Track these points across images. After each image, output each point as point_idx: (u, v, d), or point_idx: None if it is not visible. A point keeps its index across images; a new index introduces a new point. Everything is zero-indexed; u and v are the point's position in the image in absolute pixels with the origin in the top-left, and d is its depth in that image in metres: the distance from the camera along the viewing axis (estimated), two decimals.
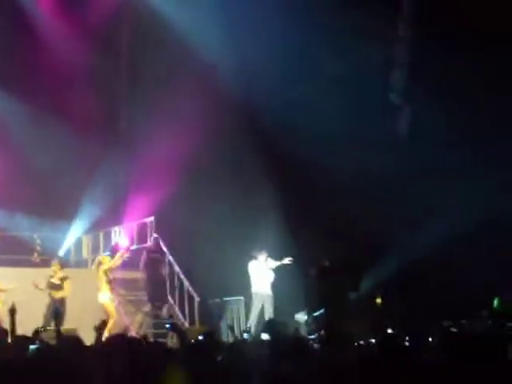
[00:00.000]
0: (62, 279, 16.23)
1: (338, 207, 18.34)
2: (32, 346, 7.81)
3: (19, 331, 9.40)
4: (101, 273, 16.08)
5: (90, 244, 21.25)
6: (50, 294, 16.03)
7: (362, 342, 10.49)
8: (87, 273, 19.18)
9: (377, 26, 18.05)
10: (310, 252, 17.33)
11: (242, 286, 17.23)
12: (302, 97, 19.10)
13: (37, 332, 9.08)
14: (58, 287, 16.14)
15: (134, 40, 21.97)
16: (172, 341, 14.22)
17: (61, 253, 20.84)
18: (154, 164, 19.93)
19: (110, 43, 21.74)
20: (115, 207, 20.66)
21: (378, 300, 17.20)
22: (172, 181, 19.32)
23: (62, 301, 16.06)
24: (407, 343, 9.13)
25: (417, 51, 19.29)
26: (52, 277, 16.19)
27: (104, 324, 7.94)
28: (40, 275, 16.40)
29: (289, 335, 9.11)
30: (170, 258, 18.77)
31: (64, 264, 16.87)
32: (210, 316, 18.17)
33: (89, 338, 8.06)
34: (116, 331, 14.72)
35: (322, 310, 16.40)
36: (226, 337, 15.26)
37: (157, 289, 18.35)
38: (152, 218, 19.64)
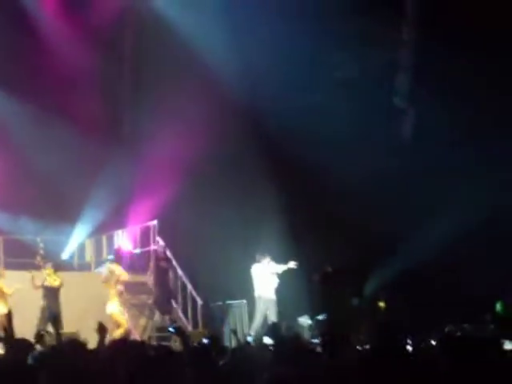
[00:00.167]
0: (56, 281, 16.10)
1: (343, 210, 18.34)
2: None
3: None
4: (113, 283, 16.02)
5: (93, 247, 21.25)
6: (44, 286, 15.90)
7: (365, 346, 10.46)
8: (90, 276, 19.18)
9: (381, 30, 18.09)
10: (314, 256, 17.32)
11: (245, 289, 17.22)
12: (306, 101, 19.12)
13: (40, 335, 9.05)
14: (51, 288, 16.02)
15: (138, 44, 21.97)
16: (175, 344, 14.20)
17: (64, 256, 20.86)
18: (158, 167, 19.92)
19: (113, 47, 21.74)
20: (118, 210, 20.65)
21: (382, 304, 17.17)
22: (175, 184, 19.32)
23: (57, 304, 15.91)
24: (410, 347, 9.12)
25: (421, 54, 19.31)
26: (46, 280, 16.07)
27: (103, 327, 7.90)
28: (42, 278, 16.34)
29: (292, 339, 9.09)
30: (173, 261, 18.76)
31: (58, 267, 16.69)
32: (213, 319, 18.16)
33: (91, 342, 8.05)
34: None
35: (325, 314, 16.39)
36: (229, 340, 15.26)
37: (165, 297, 18.24)
38: (155, 222, 19.62)
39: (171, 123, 19.44)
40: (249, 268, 16.73)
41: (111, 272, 16.22)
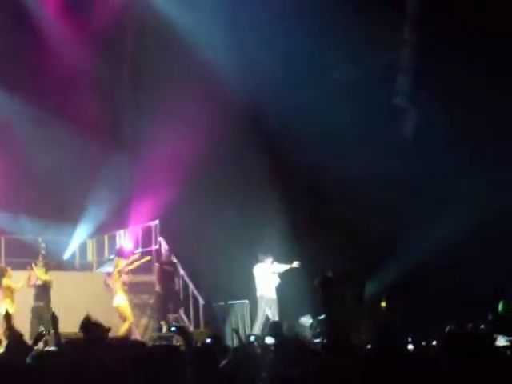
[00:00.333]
0: (45, 282, 16.15)
1: (343, 211, 18.34)
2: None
3: None
4: (116, 274, 16.13)
5: (95, 247, 21.27)
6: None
7: (366, 346, 10.47)
8: (92, 276, 19.20)
9: (382, 30, 18.07)
10: (316, 256, 17.32)
11: (247, 289, 17.23)
12: (308, 101, 19.10)
13: (40, 335, 9.06)
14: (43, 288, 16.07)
15: (138, 44, 21.97)
16: (177, 344, 14.21)
17: (65, 256, 20.88)
18: (159, 167, 19.91)
19: (113, 47, 21.75)
20: (120, 210, 20.66)
21: (383, 304, 17.17)
22: (177, 184, 19.31)
23: (48, 303, 15.92)
24: (411, 346, 9.13)
25: (421, 55, 19.30)
26: (38, 279, 16.12)
27: (88, 320, 7.94)
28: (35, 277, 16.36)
29: (293, 339, 9.10)
30: (175, 261, 18.77)
31: (49, 267, 16.70)
32: (215, 319, 18.17)
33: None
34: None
35: (325, 314, 16.39)
36: (231, 340, 15.27)
37: (170, 301, 18.22)
38: (157, 222, 19.64)
39: (171, 123, 19.44)
40: (251, 268, 16.74)
41: (115, 266, 16.37)
